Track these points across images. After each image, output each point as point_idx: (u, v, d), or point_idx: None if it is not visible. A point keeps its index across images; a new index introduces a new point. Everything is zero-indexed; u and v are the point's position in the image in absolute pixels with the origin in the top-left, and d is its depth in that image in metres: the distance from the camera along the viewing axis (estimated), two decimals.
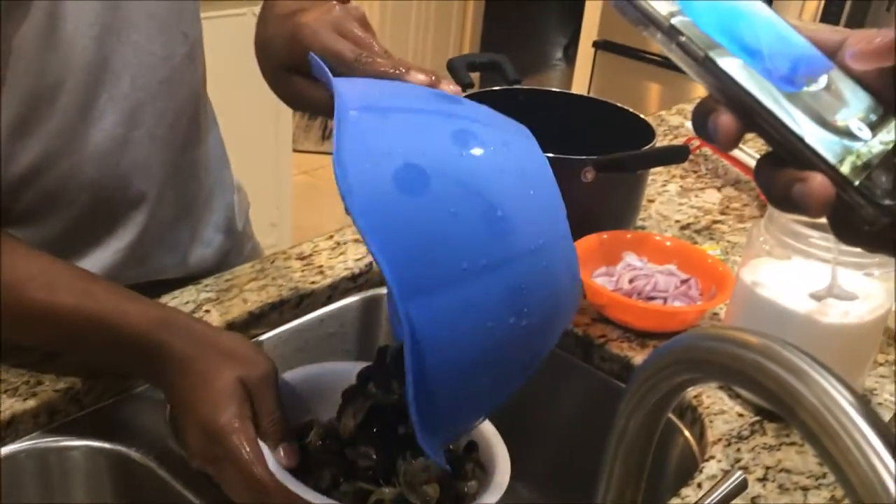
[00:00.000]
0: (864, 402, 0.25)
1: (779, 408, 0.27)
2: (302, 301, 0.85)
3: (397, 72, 0.59)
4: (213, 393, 0.58)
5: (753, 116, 0.33)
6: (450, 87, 0.59)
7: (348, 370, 0.63)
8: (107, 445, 0.68)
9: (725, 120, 0.33)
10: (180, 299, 0.83)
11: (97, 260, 0.79)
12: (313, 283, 0.87)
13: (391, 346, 0.61)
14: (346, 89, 0.49)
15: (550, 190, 0.50)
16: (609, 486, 0.38)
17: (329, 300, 0.88)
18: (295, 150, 2.70)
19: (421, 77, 0.58)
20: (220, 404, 0.57)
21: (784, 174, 0.33)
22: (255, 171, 2.44)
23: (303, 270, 0.89)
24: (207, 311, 0.81)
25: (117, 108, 0.74)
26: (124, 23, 0.72)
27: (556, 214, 0.50)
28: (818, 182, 0.32)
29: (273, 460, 0.55)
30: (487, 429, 0.63)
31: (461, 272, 0.45)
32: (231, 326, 0.80)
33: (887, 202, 0.32)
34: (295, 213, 2.48)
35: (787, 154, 0.33)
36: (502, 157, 0.50)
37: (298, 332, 0.86)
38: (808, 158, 0.32)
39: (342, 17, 0.63)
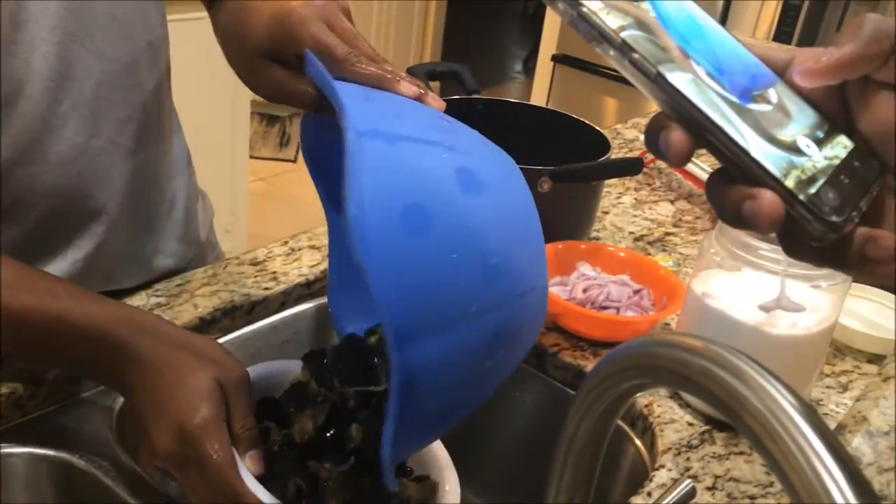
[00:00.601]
0: (809, 408, 0.25)
1: (725, 413, 0.27)
2: (254, 307, 0.84)
3: (387, 77, 0.57)
4: (189, 392, 0.56)
5: (703, 132, 0.33)
6: (435, 101, 0.58)
7: (295, 369, 0.63)
8: (49, 452, 0.66)
9: (677, 136, 0.33)
10: (129, 303, 0.81)
11: (54, 270, 0.76)
12: (266, 289, 0.86)
13: (330, 346, 0.61)
14: (352, 108, 0.47)
15: (536, 229, 0.50)
16: (559, 492, 0.38)
17: (282, 307, 0.87)
18: (252, 157, 2.67)
19: (412, 89, 0.56)
20: (196, 404, 0.55)
21: (734, 191, 0.33)
22: (211, 177, 2.39)
23: (256, 276, 0.88)
24: None
25: (79, 115, 0.71)
26: (88, 28, 0.70)
27: (540, 256, 0.50)
28: (768, 199, 0.32)
29: (242, 467, 0.54)
30: (441, 455, 0.62)
31: (453, 319, 0.44)
32: None
33: (834, 219, 0.33)
34: (251, 221, 2.45)
35: (736, 170, 0.33)
36: (499, 199, 0.49)
37: (250, 338, 0.85)
38: (754, 173, 0.33)
39: (331, 8, 0.59)
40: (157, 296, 0.83)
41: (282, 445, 0.58)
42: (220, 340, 0.82)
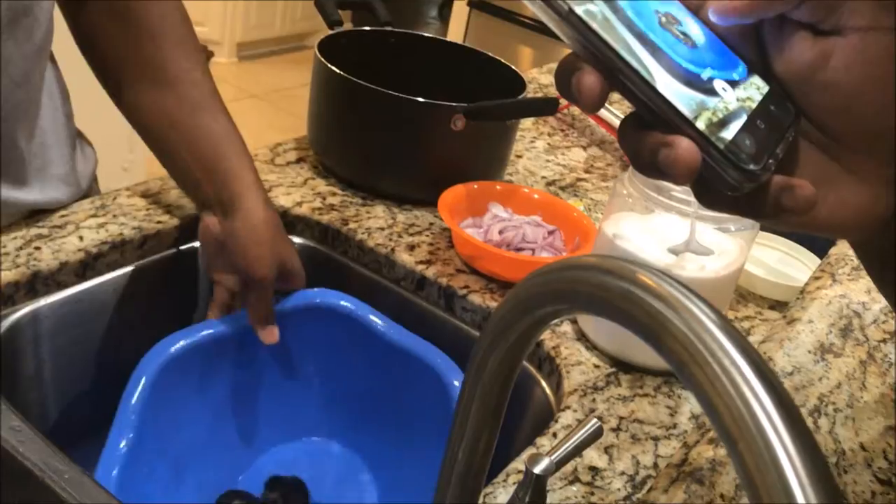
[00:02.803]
0: (735, 330, 0.23)
1: (647, 337, 0.25)
2: (146, 242, 0.79)
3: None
4: None
5: (616, 73, 0.31)
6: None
7: None
8: None
9: (589, 80, 0.31)
10: (7, 235, 0.75)
11: None
12: (160, 222, 0.80)
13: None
14: None
15: None
16: (465, 426, 0.35)
17: (177, 242, 0.82)
18: None
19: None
20: None
21: (649, 138, 0.31)
22: (106, 112, 2.27)
23: (148, 209, 0.82)
24: (38, 248, 0.74)
25: None
26: None
27: None
28: (684, 147, 0.30)
29: None
30: None
31: None
32: (65, 266, 0.73)
33: (752, 167, 0.31)
34: (150, 159, 2.33)
35: (650, 114, 0.31)
36: None
37: (142, 275, 0.79)
38: (668, 117, 0.31)
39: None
40: (39, 226, 0.76)
41: None
42: (107, 276, 0.77)
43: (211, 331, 0.74)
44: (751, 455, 0.21)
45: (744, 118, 0.32)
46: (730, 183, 0.31)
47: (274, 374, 0.83)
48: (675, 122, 0.31)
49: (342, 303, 0.81)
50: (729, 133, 0.31)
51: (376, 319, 0.80)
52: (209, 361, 0.76)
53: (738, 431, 0.21)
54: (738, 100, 0.33)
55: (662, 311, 0.24)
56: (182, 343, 0.73)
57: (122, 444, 0.66)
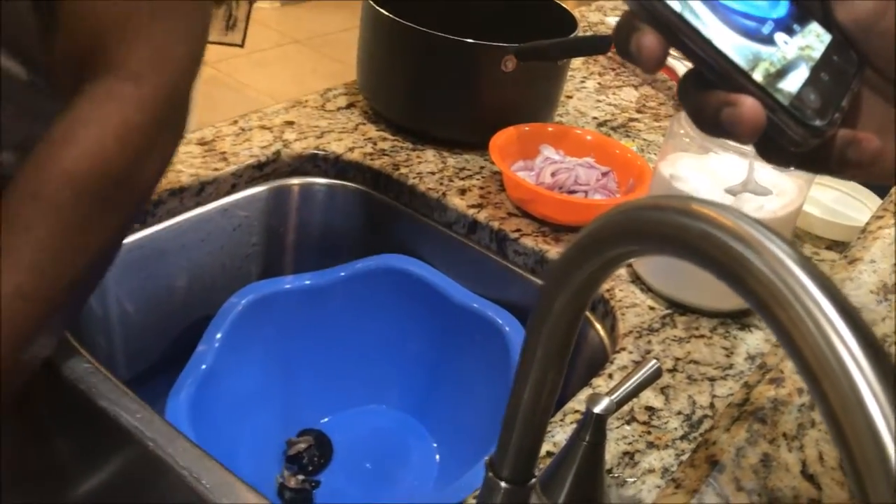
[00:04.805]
0: (816, 267, 0.23)
1: (726, 278, 0.25)
2: (203, 189, 0.80)
3: None
4: None
5: (672, 30, 0.30)
6: None
7: None
8: None
9: (648, 40, 0.30)
10: None
11: None
12: (216, 169, 0.81)
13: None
14: None
15: None
16: (530, 368, 0.36)
17: (233, 189, 0.83)
18: None
19: None
20: None
21: (712, 97, 0.31)
22: None
23: (204, 156, 0.83)
24: None
25: None
26: None
27: None
28: (749, 105, 0.30)
29: None
30: None
31: None
32: None
33: (817, 123, 0.30)
34: (200, 109, 2.35)
35: (709, 70, 0.31)
36: None
37: (201, 221, 0.81)
38: (728, 72, 0.30)
39: None
40: None
41: None
42: (168, 222, 0.78)
43: (288, 286, 0.78)
44: (836, 395, 0.21)
45: (807, 71, 0.32)
46: (794, 140, 0.31)
47: (342, 338, 0.85)
48: (739, 80, 0.30)
49: (410, 267, 0.84)
50: (793, 88, 0.31)
51: (443, 283, 0.82)
52: (285, 315, 0.78)
53: (822, 372, 0.21)
54: (799, 49, 0.32)
55: (742, 252, 0.24)
56: (261, 294, 0.76)
57: (192, 386, 0.68)
